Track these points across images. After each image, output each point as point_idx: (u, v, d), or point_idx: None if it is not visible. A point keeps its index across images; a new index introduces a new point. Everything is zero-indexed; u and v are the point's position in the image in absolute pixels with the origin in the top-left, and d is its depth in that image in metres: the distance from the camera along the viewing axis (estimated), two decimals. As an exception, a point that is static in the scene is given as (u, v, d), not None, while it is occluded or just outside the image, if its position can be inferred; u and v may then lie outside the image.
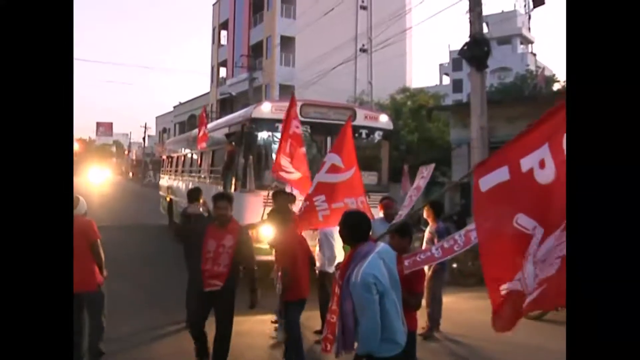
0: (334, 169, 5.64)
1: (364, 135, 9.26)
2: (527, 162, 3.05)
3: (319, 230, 6.39)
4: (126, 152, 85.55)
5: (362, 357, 3.40)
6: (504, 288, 3.14)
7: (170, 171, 17.43)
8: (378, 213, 6.78)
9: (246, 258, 5.12)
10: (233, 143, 9.37)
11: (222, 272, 4.93)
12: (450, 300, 8.47)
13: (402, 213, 4.77)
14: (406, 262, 4.12)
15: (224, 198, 5.18)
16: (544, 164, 2.99)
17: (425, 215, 7.17)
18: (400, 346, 3.41)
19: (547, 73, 28.79)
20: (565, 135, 2.74)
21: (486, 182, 3.20)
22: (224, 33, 45.25)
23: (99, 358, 5.22)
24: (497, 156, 3.25)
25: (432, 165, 5.74)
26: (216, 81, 45.25)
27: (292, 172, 6.68)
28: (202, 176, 12.47)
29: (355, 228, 3.52)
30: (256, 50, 37.62)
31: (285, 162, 6.65)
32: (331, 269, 5.96)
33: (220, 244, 4.97)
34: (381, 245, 3.54)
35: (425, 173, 5.64)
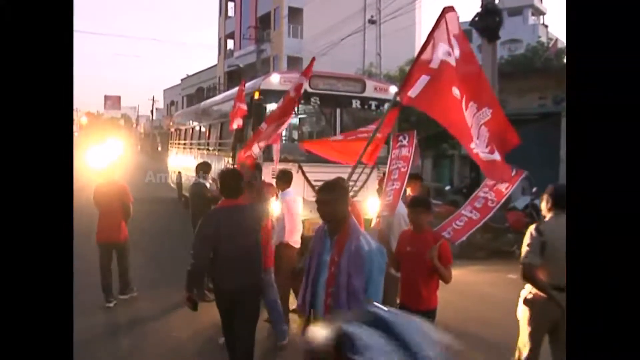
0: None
1: (373, 107, 9.17)
2: (435, 60, 3.85)
3: (282, 197, 5.98)
4: (134, 126, 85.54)
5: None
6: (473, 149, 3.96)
7: (178, 144, 17.42)
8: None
9: None
10: (242, 115, 9.31)
11: None
12: (460, 273, 8.45)
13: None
14: (446, 235, 3.98)
15: None
16: (450, 53, 3.84)
17: (410, 191, 6.10)
18: None
19: (559, 45, 28.20)
20: (453, 27, 3.82)
21: (414, 91, 3.91)
22: (231, 4, 44.69)
23: (129, 286, 6.74)
24: (409, 75, 4.01)
25: (413, 132, 4.88)
26: (223, 53, 44.87)
27: (269, 135, 6.34)
28: (211, 149, 12.46)
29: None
30: (264, 22, 37.16)
31: (269, 128, 6.28)
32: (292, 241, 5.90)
33: None
34: None
35: (405, 141, 4.74)
